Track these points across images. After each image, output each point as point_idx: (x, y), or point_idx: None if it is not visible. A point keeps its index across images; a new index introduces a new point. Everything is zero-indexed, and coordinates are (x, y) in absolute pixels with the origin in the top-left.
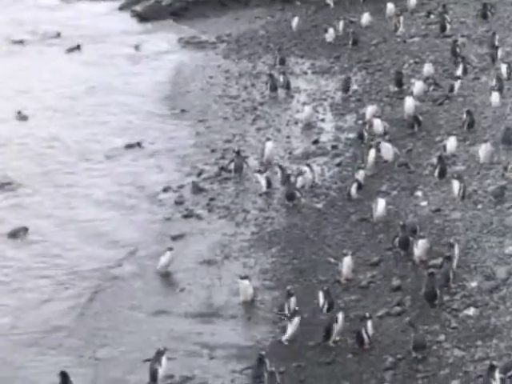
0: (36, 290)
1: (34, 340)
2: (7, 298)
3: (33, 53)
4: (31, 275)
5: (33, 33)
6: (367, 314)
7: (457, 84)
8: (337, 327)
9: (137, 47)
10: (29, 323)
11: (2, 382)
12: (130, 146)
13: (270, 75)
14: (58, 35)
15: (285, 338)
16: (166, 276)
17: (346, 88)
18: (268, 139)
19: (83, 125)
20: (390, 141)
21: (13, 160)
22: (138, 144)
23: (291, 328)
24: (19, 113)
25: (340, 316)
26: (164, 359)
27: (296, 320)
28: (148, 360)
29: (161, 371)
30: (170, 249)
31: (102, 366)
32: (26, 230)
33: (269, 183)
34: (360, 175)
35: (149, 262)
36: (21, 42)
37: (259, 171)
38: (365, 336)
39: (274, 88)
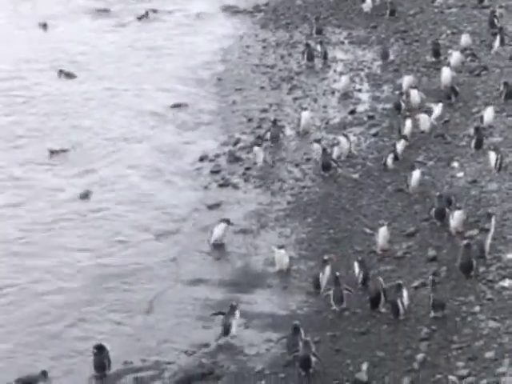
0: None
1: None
2: None
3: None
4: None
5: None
6: (402, 284)
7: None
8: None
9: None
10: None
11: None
12: (176, 106)
13: (307, 45)
14: None
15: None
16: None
17: (384, 56)
18: (304, 109)
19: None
20: (426, 111)
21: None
22: (182, 105)
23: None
24: (61, 71)
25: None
26: (237, 313)
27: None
28: (216, 313)
29: (234, 325)
30: (226, 221)
31: (138, 334)
32: (90, 193)
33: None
34: (401, 145)
35: (185, 230)
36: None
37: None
38: (400, 306)
39: (310, 58)
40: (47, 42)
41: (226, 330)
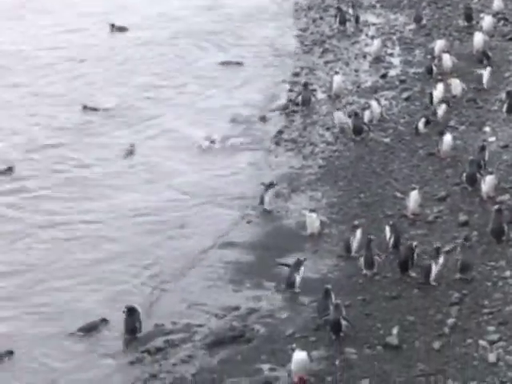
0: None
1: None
2: None
3: None
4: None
5: None
6: (440, 248)
7: None
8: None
9: None
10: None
11: None
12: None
13: (339, 8)
14: None
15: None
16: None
17: (418, 19)
18: (336, 73)
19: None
20: (458, 76)
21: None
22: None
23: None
24: (113, 26)
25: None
26: (302, 268)
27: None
28: (282, 265)
29: (298, 279)
30: (272, 184)
31: (165, 297)
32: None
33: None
34: (442, 109)
35: (211, 193)
36: None
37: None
38: (433, 271)
39: (342, 21)
40: None
41: (290, 284)
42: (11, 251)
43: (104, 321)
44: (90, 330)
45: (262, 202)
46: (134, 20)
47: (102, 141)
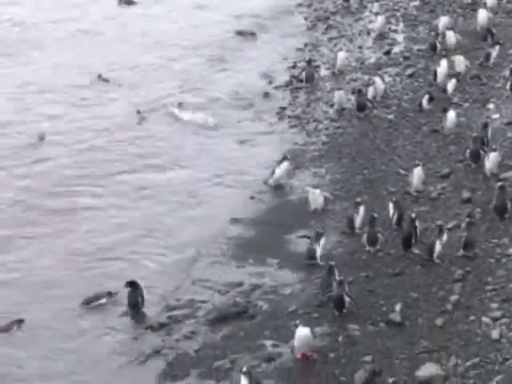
0: None
1: None
2: None
3: None
4: None
5: None
6: (443, 225)
7: None
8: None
9: None
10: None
11: None
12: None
13: None
14: None
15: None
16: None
17: None
18: (340, 49)
19: None
20: (462, 53)
21: None
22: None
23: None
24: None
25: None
26: (323, 240)
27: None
28: (302, 237)
29: (319, 251)
30: (288, 159)
31: (172, 273)
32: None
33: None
34: (452, 84)
35: (217, 171)
36: None
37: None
38: (437, 248)
39: None
40: None
41: (311, 255)
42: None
43: (110, 294)
44: (91, 301)
45: (272, 174)
46: None
47: None
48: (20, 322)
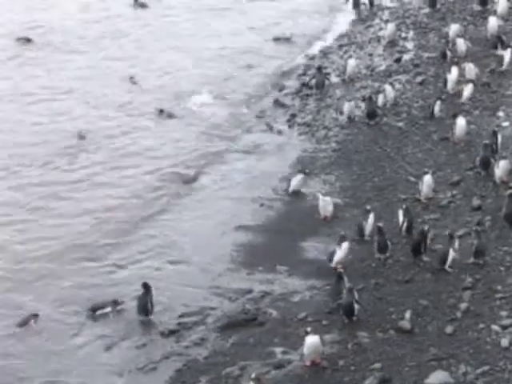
0: None
1: None
2: None
3: None
4: None
5: None
6: (453, 233)
7: None
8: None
9: None
10: None
11: None
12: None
13: None
14: None
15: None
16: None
17: (433, 4)
18: (350, 56)
19: None
20: (472, 60)
21: None
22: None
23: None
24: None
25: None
26: (345, 245)
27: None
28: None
29: (339, 253)
30: (303, 172)
31: (181, 280)
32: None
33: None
34: (469, 88)
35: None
36: None
37: None
38: (450, 256)
39: (356, 5)
40: None
41: (330, 258)
42: None
43: (115, 303)
44: (97, 309)
45: (289, 184)
46: None
47: None
48: (35, 316)
